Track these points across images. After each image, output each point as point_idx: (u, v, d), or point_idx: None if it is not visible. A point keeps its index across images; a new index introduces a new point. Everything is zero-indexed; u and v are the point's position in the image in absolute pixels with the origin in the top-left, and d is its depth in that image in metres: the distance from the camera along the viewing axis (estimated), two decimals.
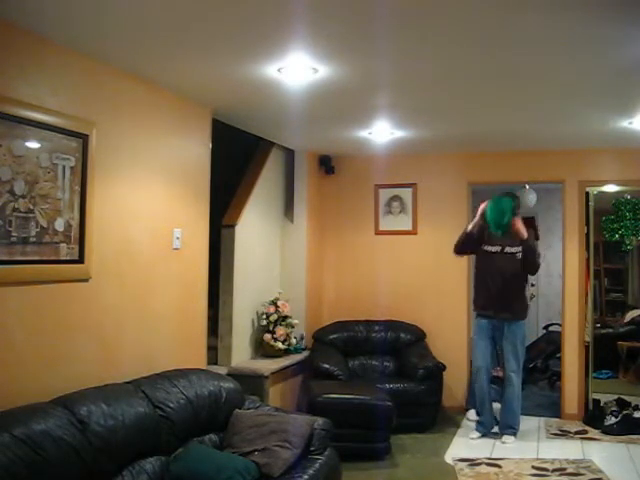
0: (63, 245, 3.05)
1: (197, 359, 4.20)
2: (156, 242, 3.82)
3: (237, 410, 3.62)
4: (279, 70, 3.37)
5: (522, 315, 5.16)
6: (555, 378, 6.87)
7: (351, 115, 4.62)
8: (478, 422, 5.33)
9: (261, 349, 5.43)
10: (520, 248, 5.00)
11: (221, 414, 3.53)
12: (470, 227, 5.19)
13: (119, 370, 3.38)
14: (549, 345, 7.42)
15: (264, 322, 5.42)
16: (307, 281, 6.07)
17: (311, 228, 6.22)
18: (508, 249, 5.04)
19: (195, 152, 4.25)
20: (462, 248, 5.26)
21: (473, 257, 5.61)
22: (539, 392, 6.99)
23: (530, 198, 7.95)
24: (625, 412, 5.50)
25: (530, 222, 9.11)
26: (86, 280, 3.21)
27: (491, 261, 5.09)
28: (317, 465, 3.34)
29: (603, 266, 7.73)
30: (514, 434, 5.17)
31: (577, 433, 5.43)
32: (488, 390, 5.26)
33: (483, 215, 5.07)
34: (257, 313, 5.48)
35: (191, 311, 4.19)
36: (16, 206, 2.76)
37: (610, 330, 7.30)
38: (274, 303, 5.47)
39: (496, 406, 5.35)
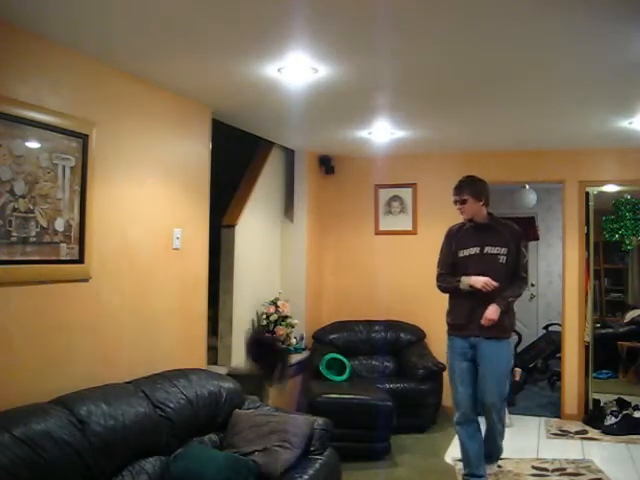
0: (63, 245, 3.05)
1: (197, 359, 4.20)
2: (156, 242, 3.82)
3: (237, 410, 3.62)
4: (279, 70, 3.37)
5: (508, 332, 4.05)
6: (555, 378, 6.87)
7: (351, 115, 4.62)
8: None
9: None
10: (505, 250, 3.96)
11: (221, 414, 3.53)
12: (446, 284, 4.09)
13: (119, 370, 3.38)
14: (549, 345, 7.42)
15: (264, 322, 5.42)
16: (307, 281, 6.07)
17: (311, 228, 6.22)
18: (489, 249, 3.98)
19: (195, 152, 4.25)
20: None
21: None
22: (539, 392, 7.00)
23: (530, 198, 7.96)
24: (625, 412, 5.50)
25: (530, 222, 9.17)
26: (86, 280, 3.21)
27: (468, 266, 3.98)
28: (317, 465, 3.34)
29: (603, 266, 7.73)
30: (493, 462, 4.36)
31: (577, 433, 5.44)
32: (480, 442, 4.08)
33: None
34: (257, 313, 5.47)
35: (191, 311, 4.19)
36: (16, 206, 2.76)
37: (610, 330, 7.30)
38: (274, 303, 5.47)
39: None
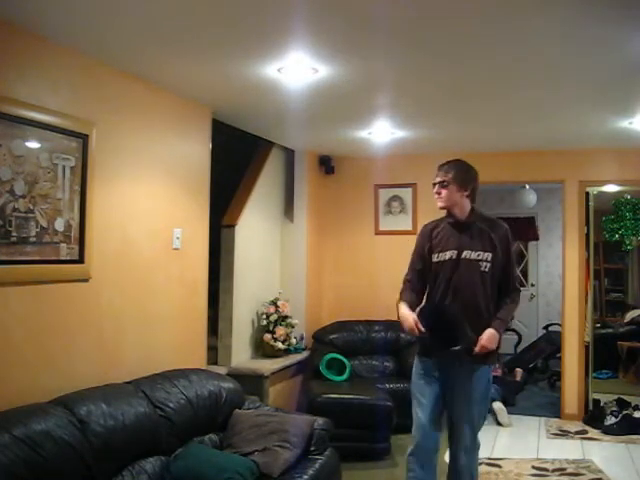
0: (63, 245, 3.05)
1: (197, 359, 4.20)
2: (156, 242, 3.82)
3: (237, 410, 3.62)
4: (279, 70, 3.37)
5: (493, 357, 3.25)
6: (555, 378, 6.88)
7: (351, 115, 4.62)
8: None
9: (261, 349, 5.43)
10: (489, 255, 3.16)
11: (221, 414, 3.53)
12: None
13: (119, 370, 3.38)
14: (549, 345, 7.42)
15: (264, 322, 5.42)
16: (307, 281, 6.07)
17: (311, 228, 6.22)
18: (468, 254, 3.18)
19: (195, 152, 4.25)
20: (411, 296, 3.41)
21: None
22: (539, 392, 7.00)
23: (530, 198, 7.97)
24: (625, 412, 5.50)
25: (530, 222, 9.18)
26: (86, 280, 3.21)
27: (442, 273, 3.22)
28: (317, 465, 3.35)
29: (603, 266, 7.73)
30: None
31: (577, 433, 5.43)
32: None
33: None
34: (257, 313, 5.48)
35: (191, 311, 4.19)
36: (16, 206, 2.76)
37: (610, 330, 7.30)
38: (274, 303, 5.48)
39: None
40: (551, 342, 7.36)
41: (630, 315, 7.47)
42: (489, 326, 3.12)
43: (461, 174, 3.29)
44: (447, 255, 3.23)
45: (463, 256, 3.19)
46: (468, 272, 3.16)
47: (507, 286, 3.24)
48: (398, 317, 3.35)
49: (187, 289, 4.14)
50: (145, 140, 3.70)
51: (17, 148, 2.76)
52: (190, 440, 3.29)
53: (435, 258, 3.27)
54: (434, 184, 3.34)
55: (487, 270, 3.16)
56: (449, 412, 3.24)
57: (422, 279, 3.35)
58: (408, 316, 3.20)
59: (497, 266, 3.18)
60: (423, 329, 3.11)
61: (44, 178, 2.92)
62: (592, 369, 5.95)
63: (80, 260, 3.16)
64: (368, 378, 5.67)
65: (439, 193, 3.31)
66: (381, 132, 5.13)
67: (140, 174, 3.66)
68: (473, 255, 3.18)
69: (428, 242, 3.34)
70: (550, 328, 7.91)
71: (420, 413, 3.24)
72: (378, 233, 6.45)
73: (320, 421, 3.61)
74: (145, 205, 3.72)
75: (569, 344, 5.90)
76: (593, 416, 5.67)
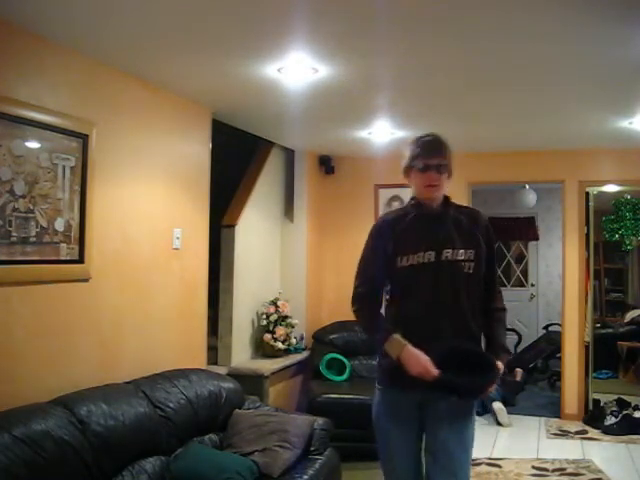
0: (63, 245, 3.05)
1: (197, 359, 4.20)
2: (156, 242, 3.82)
3: (237, 410, 3.62)
4: (279, 70, 3.37)
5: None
6: (555, 378, 6.88)
7: (351, 115, 4.62)
8: None
9: (261, 349, 5.43)
10: (472, 253, 2.46)
11: (221, 414, 3.53)
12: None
13: (119, 370, 3.38)
14: (549, 345, 7.42)
15: (264, 322, 5.42)
16: (307, 281, 6.07)
17: (311, 228, 6.22)
18: (449, 254, 2.46)
19: (195, 152, 4.25)
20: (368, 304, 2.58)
21: None
22: (539, 392, 7.00)
23: (530, 198, 7.97)
24: (625, 412, 5.50)
25: (530, 222, 9.18)
26: (86, 280, 3.21)
27: (418, 282, 2.47)
28: (317, 465, 3.35)
29: (603, 266, 7.73)
30: None
31: (577, 433, 5.44)
32: None
33: None
34: (257, 313, 5.48)
35: (191, 311, 4.19)
36: (16, 206, 2.76)
37: (610, 330, 7.31)
38: (274, 303, 5.47)
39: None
40: (551, 342, 7.36)
41: (630, 315, 7.48)
42: (479, 344, 2.52)
43: (450, 154, 2.63)
44: (422, 257, 2.46)
45: (443, 257, 2.46)
46: (452, 278, 2.45)
47: (492, 287, 2.59)
48: (398, 356, 2.38)
49: (187, 289, 4.14)
50: (145, 140, 3.70)
51: (17, 148, 2.76)
52: (190, 440, 3.29)
53: (404, 262, 2.48)
54: (429, 168, 2.55)
55: (472, 271, 2.47)
56: (433, 458, 2.47)
57: (380, 291, 2.61)
58: (418, 357, 2.34)
59: (481, 265, 2.50)
60: (436, 371, 2.31)
61: (44, 178, 2.91)
62: (592, 369, 5.95)
63: (80, 260, 3.16)
64: (368, 378, 5.65)
65: (435, 181, 2.52)
66: (381, 132, 5.13)
67: (140, 174, 3.66)
68: (455, 255, 2.46)
69: (390, 241, 2.53)
70: (550, 328, 7.91)
71: (395, 469, 2.53)
72: None
73: (320, 421, 3.61)
74: (145, 205, 3.72)
75: (569, 344, 5.90)
76: (593, 416, 5.67)
